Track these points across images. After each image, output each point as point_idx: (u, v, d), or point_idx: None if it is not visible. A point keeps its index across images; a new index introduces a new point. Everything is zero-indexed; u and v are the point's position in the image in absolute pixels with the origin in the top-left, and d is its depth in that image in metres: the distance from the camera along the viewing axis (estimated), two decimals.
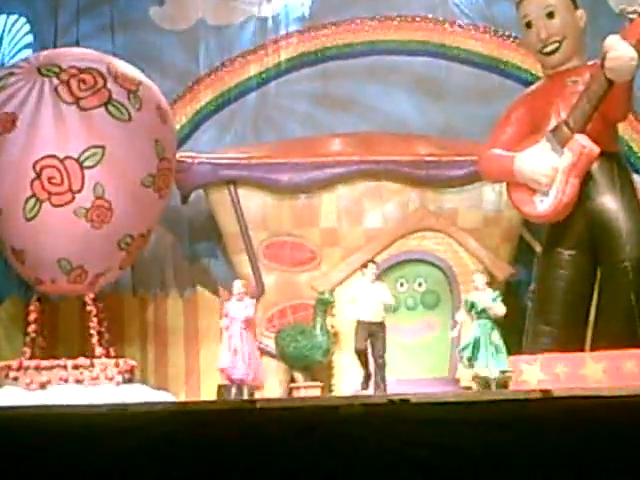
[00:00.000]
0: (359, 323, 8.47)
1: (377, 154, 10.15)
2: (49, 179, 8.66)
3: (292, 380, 9.78)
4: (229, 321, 8.89)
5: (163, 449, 3.59)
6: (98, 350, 8.94)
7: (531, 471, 3.33)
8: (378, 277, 8.91)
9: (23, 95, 8.79)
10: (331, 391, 9.63)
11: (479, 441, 3.43)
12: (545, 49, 7.86)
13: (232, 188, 10.14)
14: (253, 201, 10.18)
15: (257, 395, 8.98)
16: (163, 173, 9.20)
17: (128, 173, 8.88)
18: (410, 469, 3.35)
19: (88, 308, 9.12)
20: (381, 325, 8.46)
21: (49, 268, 8.89)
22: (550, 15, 7.82)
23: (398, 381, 8.73)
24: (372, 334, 8.39)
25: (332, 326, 9.73)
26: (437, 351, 9.70)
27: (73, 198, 8.71)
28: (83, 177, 8.70)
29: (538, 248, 9.08)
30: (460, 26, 10.97)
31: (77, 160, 8.68)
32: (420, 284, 9.99)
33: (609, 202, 7.42)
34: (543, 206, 7.61)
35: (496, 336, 8.32)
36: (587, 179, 7.47)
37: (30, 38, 11.05)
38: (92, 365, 8.76)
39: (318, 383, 9.60)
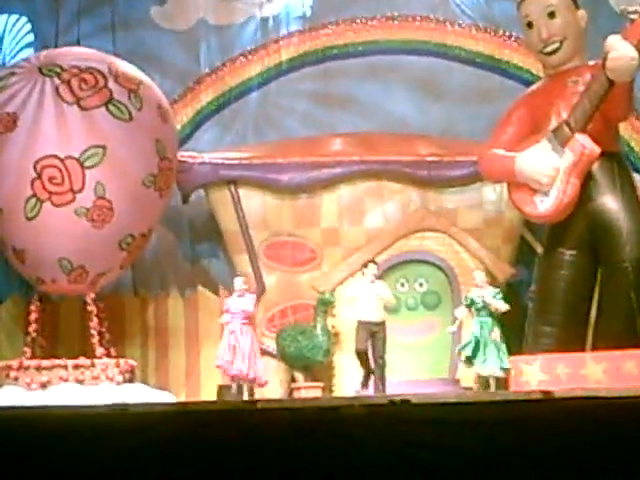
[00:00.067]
0: (360, 323, 8.49)
1: (378, 154, 10.16)
2: (50, 179, 8.67)
3: (293, 380, 9.78)
4: (230, 317, 8.90)
5: (163, 449, 3.59)
6: (99, 350, 8.94)
7: (532, 472, 3.33)
8: (379, 277, 8.92)
9: (24, 95, 8.79)
10: (332, 391, 9.64)
11: (480, 442, 3.43)
12: (546, 49, 7.84)
13: (233, 188, 10.14)
14: (254, 201, 10.18)
15: (258, 392, 9.00)
16: (164, 173, 9.20)
17: (129, 173, 8.89)
18: (411, 470, 3.36)
19: (89, 308, 9.12)
20: (382, 325, 8.47)
21: (50, 268, 8.90)
22: (551, 15, 7.79)
23: (399, 381, 8.74)
24: (373, 334, 8.40)
25: (333, 326, 9.73)
26: (438, 351, 9.70)
27: (74, 198, 8.71)
28: (84, 177, 8.70)
29: (539, 248, 9.08)
30: (461, 26, 10.98)
31: (78, 160, 8.69)
32: (421, 284, 9.99)
33: (610, 202, 7.40)
34: (544, 206, 7.59)
35: (497, 333, 8.32)
36: (588, 179, 7.45)
37: (31, 37, 11.06)
38: (93, 365, 8.77)
39: (319, 383, 9.60)
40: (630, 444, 3.35)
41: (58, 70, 8.94)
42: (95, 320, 9.07)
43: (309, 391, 9.44)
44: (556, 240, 7.73)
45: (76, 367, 8.72)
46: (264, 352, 9.57)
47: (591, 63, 7.69)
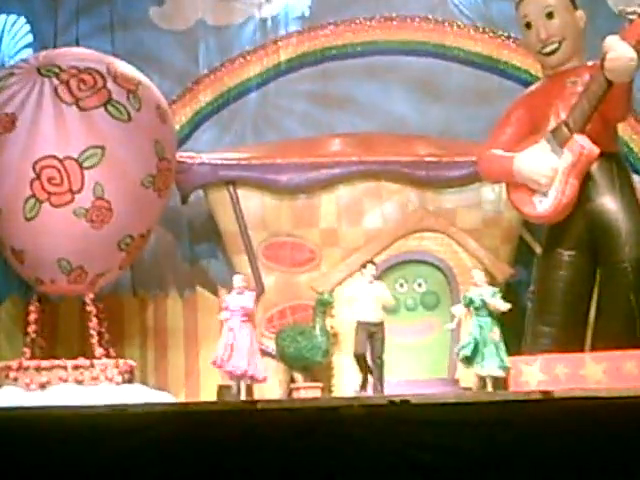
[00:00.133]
0: (359, 324, 8.48)
1: (377, 154, 10.15)
2: (49, 179, 8.66)
3: (292, 381, 9.78)
4: (229, 314, 8.90)
5: (163, 449, 3.60)
6: (98, 350, 8.93)
7: (531, 472, 3.34)
8: (378, 278, 8.92)
9: (23, 95, 8.79)
10: (331, 392, 9.63)
11: (479, 442, 3.43)
12: (545, 49, 7.85)
13: (232, 188, 10.14)
14: (253, 201, 10.18)
15: (258, 392, 8.99)
16: (163, 173, 9.20)
17: (128, 173, 8.89)
18: (410, 470, 3.36)
19: (88, 308, 9.12)
20: (380, 325, 8.47)
21: (49, 268, 8.89)
22: (550, 15, 7.81)
23: (398, 382, 8.74)
24: (371, 335, 8.40)
25: (332, 327, 9.72)
26: (437, 352, 9.69)
27: (73, 198, 8.71)
28: (83, 177, 8.70)
29: (538, 249, 9.08)
30: (459, 26, 10.97)
31: (77, 160, 8.69)
32: (420, 285, 9.99)
33: (609, 203, 7.41)
34: (543, 207, 7.60)
35: (496, 333, 8.32)
36: (587, 180, 7.46)
37: (30, 38, 11.05)
38: (92, 365, 8.76)
39: (318, 384, 9.60)
40: (630, 444, 3.36)
41: (57, 71, 8.93)
42: (94, 320, 9.07)
43: (308, 391, 9.43)
44: (555, 240, 7.74)
45: (75, 367, 8.71)
46: (263, 352, 9.56)
47: (590, 64, 7.70)
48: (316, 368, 9.72)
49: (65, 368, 8.72)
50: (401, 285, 9.93)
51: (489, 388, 8.18)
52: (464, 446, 3.41)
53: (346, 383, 9.30)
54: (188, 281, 10.49)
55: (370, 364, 8.47)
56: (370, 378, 8.47)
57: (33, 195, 8.67)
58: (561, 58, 7.83)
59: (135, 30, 11.05)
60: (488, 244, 9.97)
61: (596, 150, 7.35)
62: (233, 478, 3.46)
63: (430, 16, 11.01)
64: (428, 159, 10.11)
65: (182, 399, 9.58)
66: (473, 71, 10.93)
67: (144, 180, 9.00)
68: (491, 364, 8.21)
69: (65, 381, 8.64)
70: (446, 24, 10.97)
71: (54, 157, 8.65)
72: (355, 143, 10.40)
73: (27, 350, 9.00)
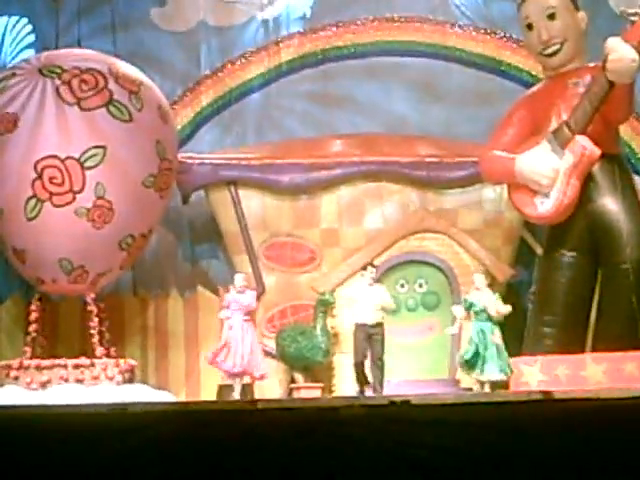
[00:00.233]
0: (357, 326, 8.44)
1: (378, 155, 10.15)
2: (50, 179, 8.67)
3: (292, 381, 9.78)
4: (230, 312, 8.88)
5: (163, 449, 3.60)
6: (99, 350, 8.93)
7: (531, 472, 3.34)
8: (378, 279, 8.91)
9: (25, 96, 8.79)
10: (331, 392, 9.63)
11: (479, 442, 3.43)
12: (546, 51, 7.87)
13: (233, 189, 10.14)
14: (254, 202, 10.18)
15: (257, 389, 8.98)
16: (164, 173, 9.21)
17: (129, 173, 8.89)
18: (410, 470, 3.36)
19: (89, 308, 9.12)
20: (379, 326, 8.43)
21: (50, 268, 8.90)
22: (551, 17, 7.82)
23: (398, 382, 8.74)
24: (370, 336, 8.35)
25: (332, 327, 9.73)
26: (437, 352, 9.69)
27: (74, 198, 8.72)
28: (84, 177, 8.71)
29: (539, 250, 9.08)
30: (460, 27, 10.96)
31: (78, 160, 8.69)
32: (421, 285, 9.98)
33: (610, 204, 7.42)
34: (544, 207, 7.61)
35: (497, 336, 8.30)
36: (588, 181, 7.47)
37: (32, 38, 11.06)
38: (93, 365, 8.76)
39: (318, 384, 9.60)
40: (630, 445, 3.36)
41: (59, 71, 8.94)
42: (95, 320, 9.07)
43: (309, 391, 9.43)
44: (556, 241, 7.75)
45: (76, 367, 8.71)
46: (264, 352, 9.56)
47: (591, 65, 7.71)
48: (316, 368, 9.72)
49: (66, 367, 8.72)
50: (402, 285, 9.93)
51: (486, 390, 8.14)
52: (464, 446, 3.41)
53: (347, 383, 9.29)
54: (189, 281, 10.50)
55: (370, 366, 8.41)
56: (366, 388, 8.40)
57: (34, 195, 8.68)
58: (563, 59, 7.84)
59: (136, 31, 11.05)
60: (489, 245, 9.96)
61: (597, 151, 7.35)
62: (233, 478, 3.46)
63: (431, 17, 11.00)
64: (429, 160, 10.11)
65: (182, 399, 9.58)
66: (474, 72, 10.92)
67: (145, 180, 9.00)
68: (492, 368, 8.15)
69: (66, 380, 8.65)
70: (447, 25, 10.97)
71: (56, 157, 8.66)
72: (356, 144, 10.40)
73: (28, 349, 9.00)
